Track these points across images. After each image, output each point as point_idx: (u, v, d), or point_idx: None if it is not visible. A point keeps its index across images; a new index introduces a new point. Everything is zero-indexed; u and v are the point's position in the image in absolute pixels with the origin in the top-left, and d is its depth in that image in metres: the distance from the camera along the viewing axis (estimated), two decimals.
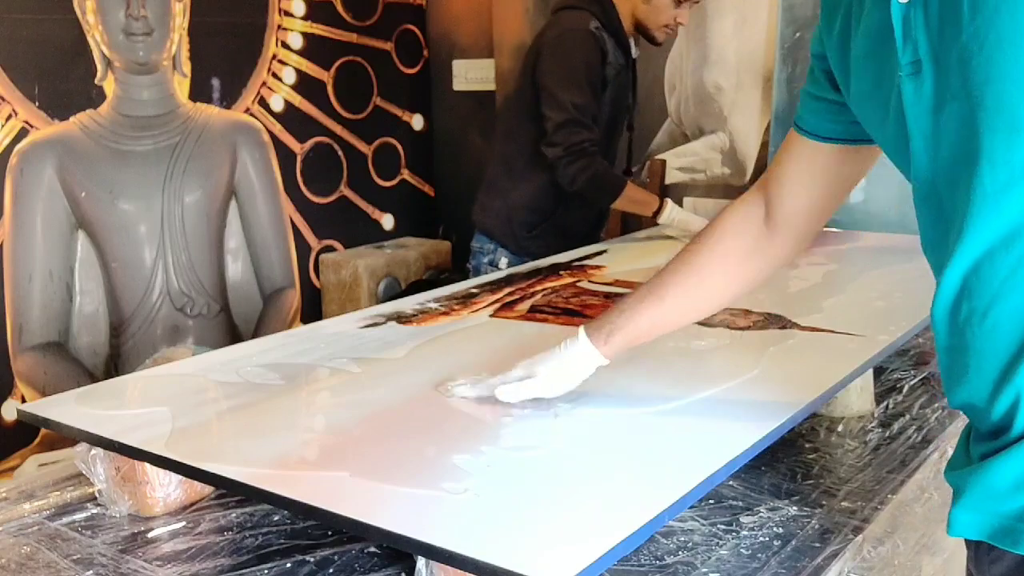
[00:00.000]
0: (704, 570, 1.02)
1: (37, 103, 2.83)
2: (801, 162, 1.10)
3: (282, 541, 1.10)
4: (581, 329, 1.19)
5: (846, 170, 1.09)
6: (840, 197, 1.12)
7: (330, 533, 1.11)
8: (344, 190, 3.78)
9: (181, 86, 3.18)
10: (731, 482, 1.22)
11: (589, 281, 1.97)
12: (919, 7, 0.79)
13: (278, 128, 3.49)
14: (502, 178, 2.51)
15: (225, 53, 3.30)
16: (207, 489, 1.21)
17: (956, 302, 0.81)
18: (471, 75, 3.96)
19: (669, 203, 2.43)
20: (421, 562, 0.93)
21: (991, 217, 0.75)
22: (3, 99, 2.76)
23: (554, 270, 2.08)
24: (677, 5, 2.39)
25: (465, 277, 2.42)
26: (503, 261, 2.50)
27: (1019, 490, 0.77)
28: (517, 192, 2.47)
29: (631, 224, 3.45)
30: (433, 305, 1.77)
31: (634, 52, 2.50)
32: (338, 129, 3.72)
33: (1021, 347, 0.76)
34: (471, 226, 2.61)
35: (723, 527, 1.11)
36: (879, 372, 1.66)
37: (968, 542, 0.86)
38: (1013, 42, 0.72)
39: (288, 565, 1.05)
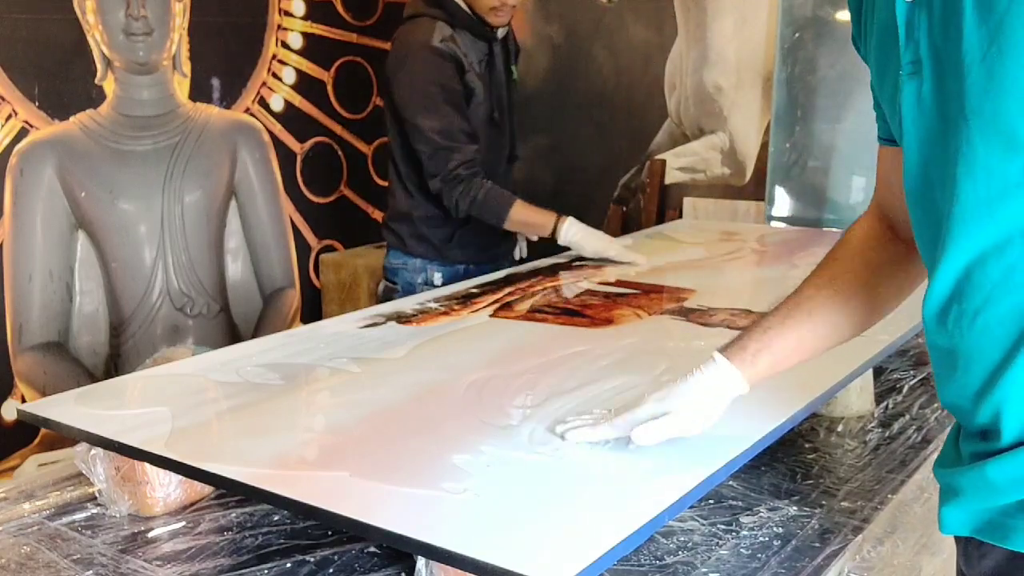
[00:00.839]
0: (704, 570, 1.02)
1: (37, 103, 2.83)
2: (895, 171, 0.98)
3: (282, 541, 1.11)
4: (716, 353, 1.05)
5: None
6: None
7: (330, 533, 1.11)
8: (344, 190, 3.78)
9: (181, 86, 3.18)
10: (731, 482, 1.22)
11: (589, 281, 1.97)
12: (923, 8, 0.79)
13: (278, 128, 3.49)
14: (404, 201, 2.38)
15: (225, 53, 3.30)
16: (207, 489, 1.21)
17: (946, 304, 0.80)
18: None
19: (567, 221, 2.19)
20: (421, 562, 0.93)
21: (984, 224, 0.75)
22: (3, 99, 2.76)
23: (554, 270, 2.08)
24: None
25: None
26: (437, 276, 2.38)
27: (1009, 488, 0.77)
28: (419, 211, 2.35)
29: (631, 224, 3.46)
30: (433, 305, 1.77)
31: (500, 33, 2.34)
32: (338, 129, 3.72)
33: (1008, 353, 0.76)
34: None
35: (723, 527, 1.11)
36: (879, 372, 1.66)
37: (958, 539, 0.86)
38: (1016, 56, 0.71)
39: (288, 565, 1.05)
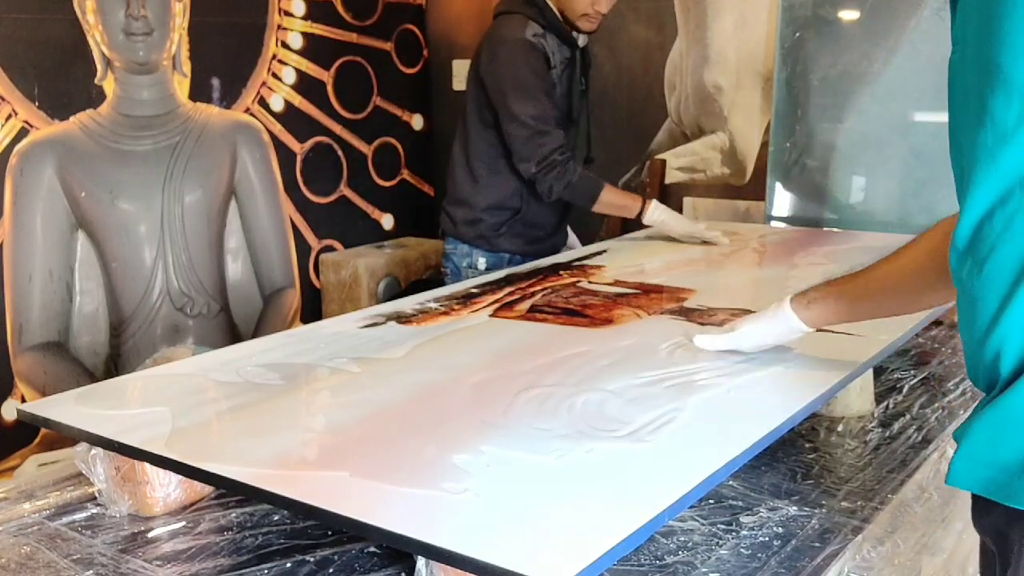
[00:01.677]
0: (704, 570, 1.02)
1: (37, 103, 2.83)
2: None
3: (282, 541, 1.11)
4: (787, 297, 1.31)
5: None
6: None
7: (330, 533, 1.11)
8: (344, 190, 3.78)
9: (181, 86, 3.18)
10: (731, 482, 1.23)
11: (589, 281, 1.97)
12: None
13: (278, 128, 3.49)
14: (466, 185, 2.52)
15: (225, 53, 3.30)
16: (207, 489, 1.21)
17: (963, 256, 0.84)
18: None
19: (653, 204, 2.41)
20: (421, 562, 0.93)
21: (991, 174, 0.79)
22: (3, 99, 2.76)
23: (554, 270, 2.08)
24: None
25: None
26: (481, 261, 2.53)
27: (1006, 439, 0.79)
28: (480, 197, 2.49)
29: (631, 224, 3.45)
30: (433, 305, 1.77)
31: (581, 41, 2.49)
32: (338, 129, 3.72)
33: (1005, 297, 0.79)
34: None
35: (723, 527, 1.11)
36: (879, 372, 1.66)
37: (972, 496, 0.89)
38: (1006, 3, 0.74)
39: (288, 565, 1.05)
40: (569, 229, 2.75)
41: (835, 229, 2.75)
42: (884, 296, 1.22)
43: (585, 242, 2.76)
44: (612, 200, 2.42)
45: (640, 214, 2.40)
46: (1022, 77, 0.75)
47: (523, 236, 2.52)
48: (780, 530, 1.11)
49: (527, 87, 2.33)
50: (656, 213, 2.39)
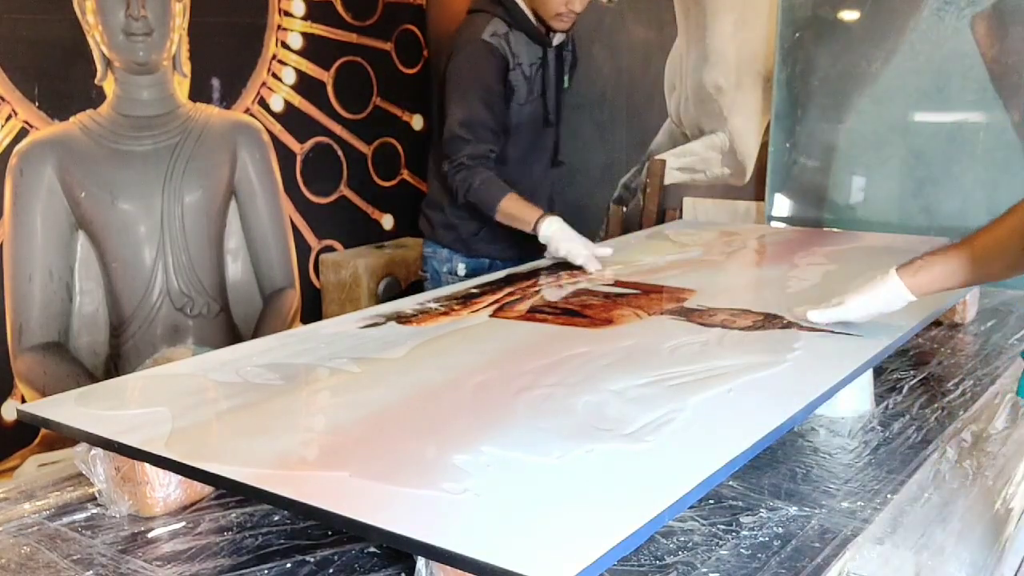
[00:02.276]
0: (704, 570, 1.02)
1: (37, 103, 2.83)
2: None
3: (282, 541, 1.11)
4: (892, 268, 1.43)
5: None
6: None
7: (330, 533, 1.11)
8: (344, 190, 3.78)
9: (181, 86, 3.18)
10: (731, 482, 1.23)
11: (589, 281, 1.97)
12: None
13: (278, 128, 3.49)
14: (439, 189, 2.48)
15: (225, 53, 3.30)
16: (207, 489, 1.21)
17: None
18: None
19: (548, 219, 2.16)
20: (421, 562, 0.93)
21: None
22: (3, 99, 2.76)
23: (554, 270, 2.08)
24: None
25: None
26: (460, 267, 2.49)
27: None
28: (451, 200, 2.42)
29: (631, 224, 3.46)
30: (433, 305, 1.77)
31: (557, 39, 2.43)
32: (338, 129, 3.72)
33: None
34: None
35: (723, 527, 1.11)
36: (879, 372, 1.66)
37: None
38: None
39: (288, 565, 1.05)
40: None
41: (835, 229, 2.75)
42: (989, 260, 1.34)
43: (536, 240, 2.69)
44: (511, 211, 2.23)
45: (534, 229, 2.18)
46: None
47: (501, 240, 2.44)
48: (780, 530, 1.11)
49: (464, 90, 2.30)
50: (549, 229, 2.15)
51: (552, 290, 1.91)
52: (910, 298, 1.43)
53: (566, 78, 2.55)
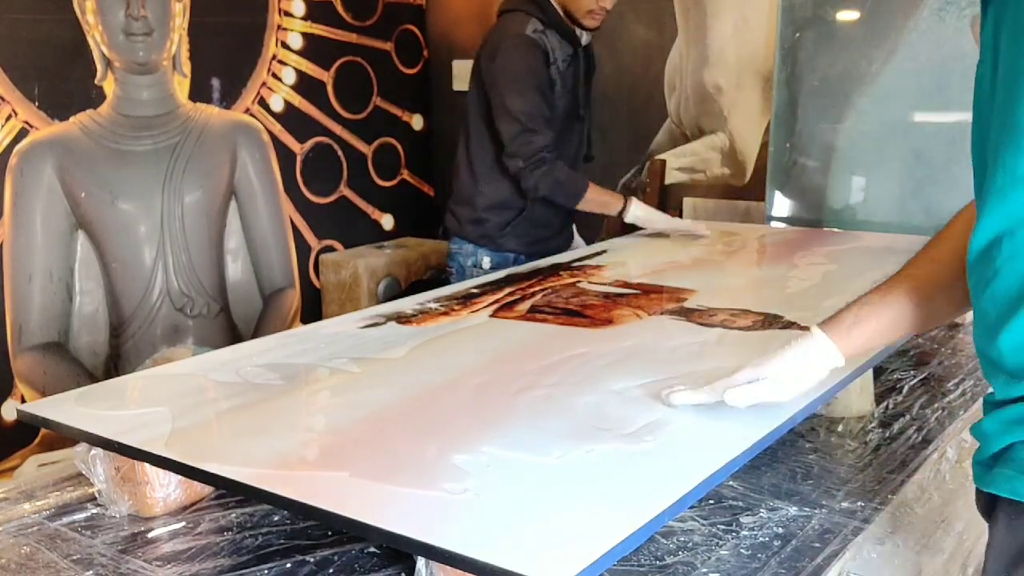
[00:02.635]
0: (704, 570, 1.02)
1: (37, 103, 2.83)
2: None
3: (282, 541, 1.11)
4: (814, 327, 1.11)
5: None
6: None
7: (330, 533, 1.11)
8: (344, 190, 3.78)
9: (181, 86, 3.18)
10: (731, 482, 1.22)
11: (589, 281, 1.97)
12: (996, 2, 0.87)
13: (278, 128, 3.49)
14: (468, 185, 2.54)
15: (225, 53, 3.30)
16: (207, 489, 1.21)
17: (973, 268, 0.89)
18: None
19: (634, 201, 2.46)
20: (421, 562, 0.93)
21: (1001, 207, 0.84)
22: (3, 99, 2.76)
23: (554, 270, 2.08)
24: None
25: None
26: (486, 260, 2.55)
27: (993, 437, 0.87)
28: (483, 197, 2.51)
29: (632, 225, 3.45)
30: (433, 305, 1.77)
31: (584, 39, 2.51)
32: (338, 129, 3.72)
33: (1003, 317, 0.85)
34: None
35: (723, 527, 1.11)
36: (879, 372, 1.66)
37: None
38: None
39: (288, 565, 1.05)
40: (575, 229, 2.76)
41: (835, 229, 2.75)
42: (935, 297, 1.08)
43: (587, 242, 2.77)
44: (596, 198, 2.46)
45: (622, 212, 2.45)
46: None
47: (528, 236, 2.54)
48: (780, 530, 1.11)
49: (521, 83, 2.35)
50: (637, 210, 2.46)
51: (553, 290, 1.91)
52: (839, 363, 1.11)
53: (588, 75, 2.61)
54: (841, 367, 1.11)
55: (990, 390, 0.91)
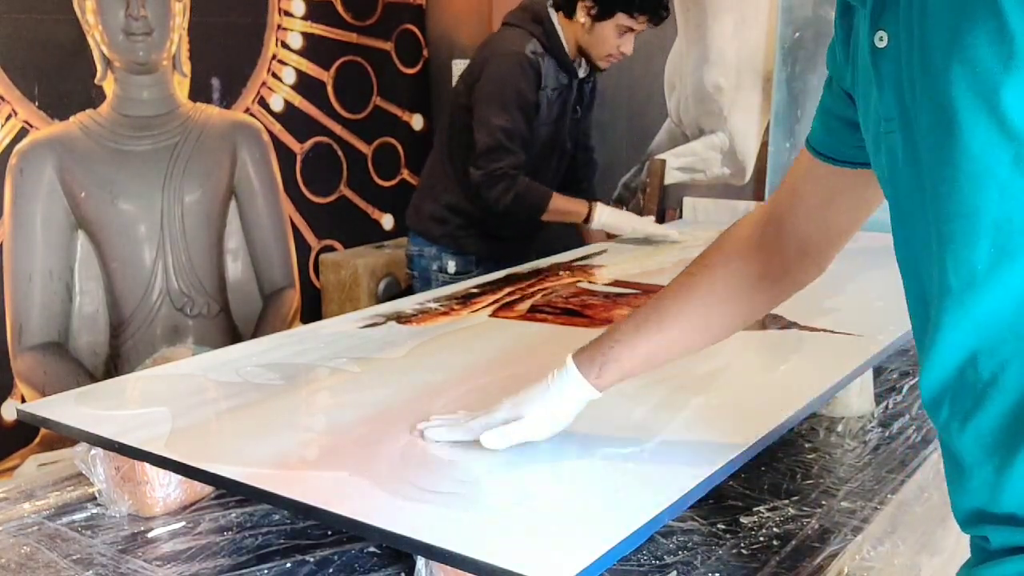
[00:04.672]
0: (704, 570, 1.02)
1: (37, 103, 2.83)
2: (817, 185, 0.96)
3: (282, 541, 1.11)
4: (570, 359, 1.06)
5: (871, 192, 0.91)
6: (862, 219, 0.97)
7: (330, 533, 1.11)
8: (344, 190, 3.78)
9: (181, 86, 3.18)
10: (731, 482, 1.22)
11: (589, 281, 1.97)
12: (891, 59, 0.68)
13: (278, 128, 3.49)
14: (438, 180, 2.53)
15: (225, 53, 3.30)
16: (207, 489, 1.21)
17: (933, 406, 0.72)
18: None
19: (598, 207, 2.43)
20: (421, 562, 0.93)
21: (962, 320, 0.66)
22: (3, 99, 2.76)
23: (554, 270, 2.08)
24: (619, 35, 2.37)
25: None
26: (450, 264, 2.53)
27: None
28: (449, 194, 2.50)
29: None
30: (433, 305, 1.77)
31: (581, 72, 2.50)
32: (338, 129, 3.71)
33: (1001, 461, 0.67)
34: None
35: (723, 527, 1.11)
36: (879, 372, 1.66)
37: None
38: (962, 136, 0.61)
39: (288, 565, 1.05)
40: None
41: None
42: (690, 327, 1.02)
43: (522, 244, 2.71)
44: (560, 207, 2.42)
45: (587, 218, 2.42)
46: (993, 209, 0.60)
47: (491, 238, 2.52)
48: (780, 530, 1.11)
49: (506, 99, 2.34)
50: (603, 215, 2.43)
51: (552, 290, 1.91)
52: (595, 396, 1.05)
53: (578, 108, 2.60)
54: (599, 398, 1.06)
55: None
